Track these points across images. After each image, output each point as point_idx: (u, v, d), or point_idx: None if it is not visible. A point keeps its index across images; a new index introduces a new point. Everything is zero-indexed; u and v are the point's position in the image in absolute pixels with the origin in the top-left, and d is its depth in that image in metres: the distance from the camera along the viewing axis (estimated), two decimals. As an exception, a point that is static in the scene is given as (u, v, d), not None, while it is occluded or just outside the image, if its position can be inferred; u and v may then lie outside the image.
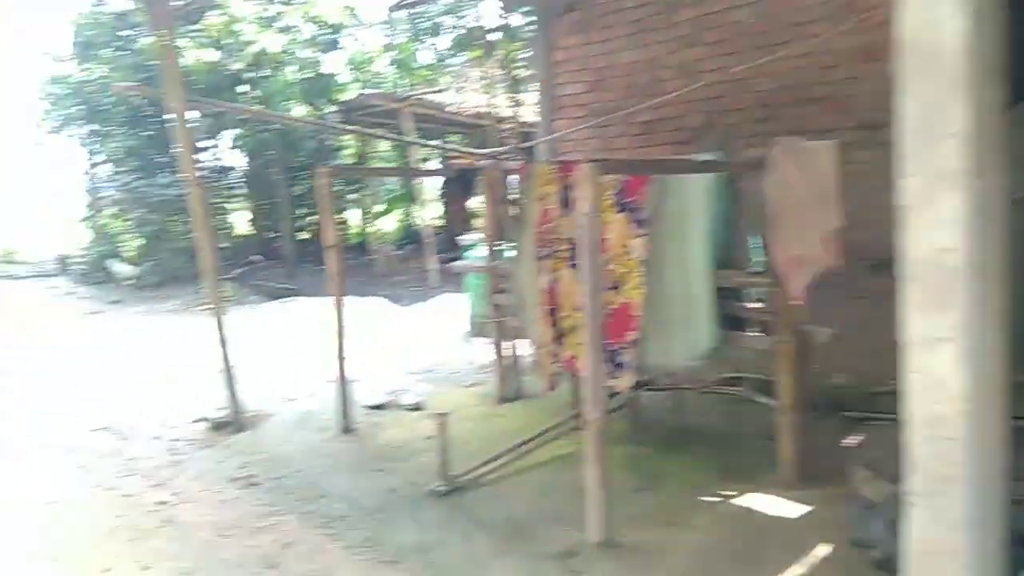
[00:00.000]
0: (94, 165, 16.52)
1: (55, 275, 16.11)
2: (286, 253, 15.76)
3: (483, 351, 8.06)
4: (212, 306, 5.91)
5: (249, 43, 12.16)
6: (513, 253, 5.54)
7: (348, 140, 19.57)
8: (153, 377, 7.46)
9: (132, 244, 14.88)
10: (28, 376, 7.63)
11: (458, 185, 5.39)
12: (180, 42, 12.88)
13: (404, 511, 4.20)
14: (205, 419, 5.92)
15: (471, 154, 5.87)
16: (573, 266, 4.88)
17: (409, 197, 22.21)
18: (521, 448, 4.94)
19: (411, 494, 4.42)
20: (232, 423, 5.77)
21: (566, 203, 4.92)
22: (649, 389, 5.30)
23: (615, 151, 6.50)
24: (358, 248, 18.52)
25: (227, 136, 16.85)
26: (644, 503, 4.16)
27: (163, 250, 14.10)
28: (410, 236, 21.86)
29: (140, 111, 14.64)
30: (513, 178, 5.82)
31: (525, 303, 5.35)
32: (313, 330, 9.27)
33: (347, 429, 5.61)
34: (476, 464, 4.63)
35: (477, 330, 8.86)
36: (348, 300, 10.72)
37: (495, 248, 6.06)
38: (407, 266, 17.32)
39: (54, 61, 16.99)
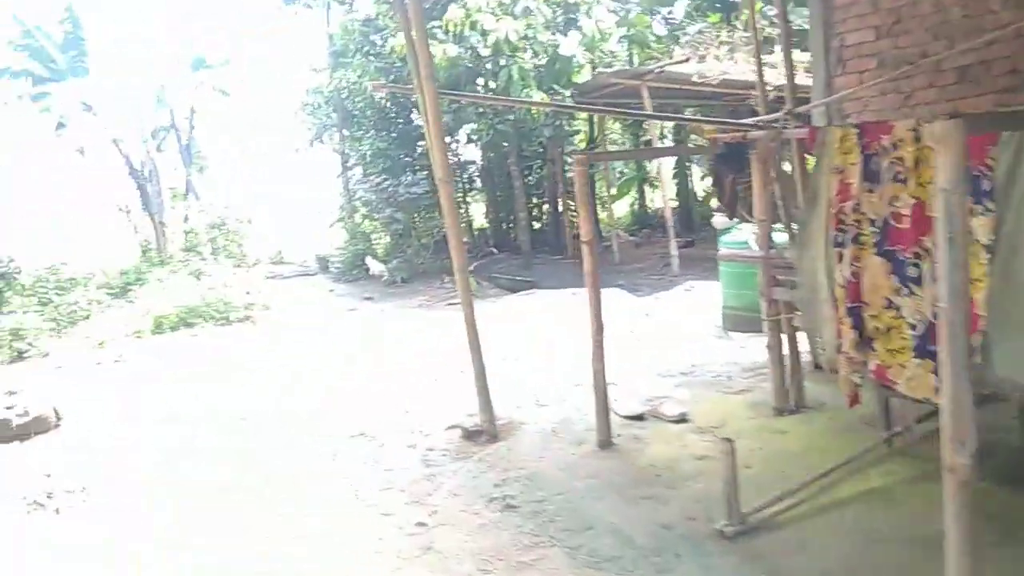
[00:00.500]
0: (347, 168, 17.64)
1: (316, 274, 17.48)
2: (521, 245, 15.66)
3: (745, 350, 7.17)
4: (461, 304, 5.62)
5: (488, 33, 12.07)
6: (798, 238, 4.62)
7: (580, 125, 19.23)
8: (403, 376, 7.47)
9: (382, 242, 15.64)
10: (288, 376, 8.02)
11: (724, 161, 4.64)
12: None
13: (687, 556, 3.53)
14: (458, 427, 5.68)
15: (739, 126, 4.96)
16: (882, 254, 3.90)
17: (642, 179, 21.48)
18: (822, 479, 4.06)
19: (691, 533, 3.75)
20: (484, 432, 5.46)
21: (871, 175, 3.93)
22: (993, 406, 4.14)
23: (917, 108, 5.28)
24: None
25: (464, 131, 17.25)
26: (1005, 564, 3.13)
27: (409, 247, 14.63)
28: (641, 221, 21.13)
29: (387, 114, 15.35)
30: (793, 149, 4.89)
31: (817, 298, 4.41)
32: (555, 325, 8.91)
33: (605, 443, 5.06)
34: (769, 499, 3.84)
35: (731, 324, 7.94)
36: (580, 292, 10.23)
37: (770, 232, 5.17)
38: (642, 253, 16.61)
39: (311, 72, 18.41)
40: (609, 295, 11.12)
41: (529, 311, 10.43)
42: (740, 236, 7.30)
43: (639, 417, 5.52)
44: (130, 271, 14.93)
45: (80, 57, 18.21)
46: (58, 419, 6.24)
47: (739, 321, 7.69)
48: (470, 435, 5.52)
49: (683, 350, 7.48)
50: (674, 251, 13.00)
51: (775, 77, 7.87)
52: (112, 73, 17.86)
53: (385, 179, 13.81)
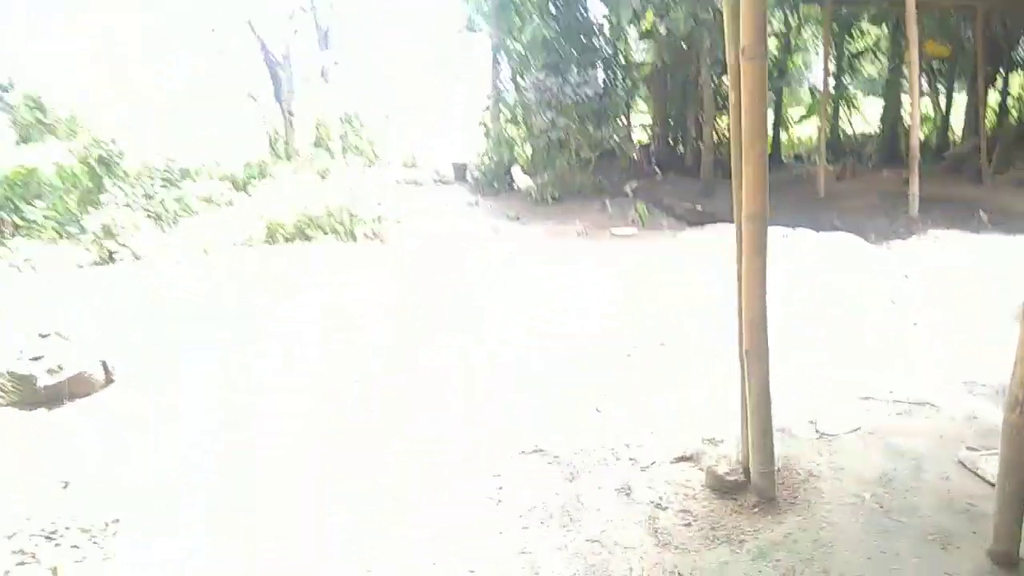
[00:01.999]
0: (499, 64, 15.21)
1: (452, 183, 15.44)
2: (703, 166, 12.91)
3: None
4: (744, 261, 3.28)
5: None
6: None
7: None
8: (578, 346, 5.27)
9: (532, 152, 13.30)
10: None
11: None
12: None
13: None
14: (694, 461, 3.46)
15: None
16: None
17: (838, 99, 17.90)
18: None
19: None
20: (749, 487, 3.20)
21: None
22: None
23: None
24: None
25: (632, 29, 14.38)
26: None
27: (567, 160, 12.23)
28: (832, 149, 17.67)
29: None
30: None
31: None
32: (787, 279, 6.39)
33: (1006, 556, 2.68)
34: None
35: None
36: (793, 233, 7.52)
37: None
38: (848, 188, 13.49)
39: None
40: (834, 241, 8.48)
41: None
42: None
43: None
44: (253, 165, 13.38)
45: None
46: (108, 377, 4.40)
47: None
48: (722, 485, 3.28)
49: (983, 342, 4.90)
50: (915, 188, 9.99)
51: None
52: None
53: (547, 77, 11.31)
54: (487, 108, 16.85)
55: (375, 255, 8.19)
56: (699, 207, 11.16)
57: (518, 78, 14.02)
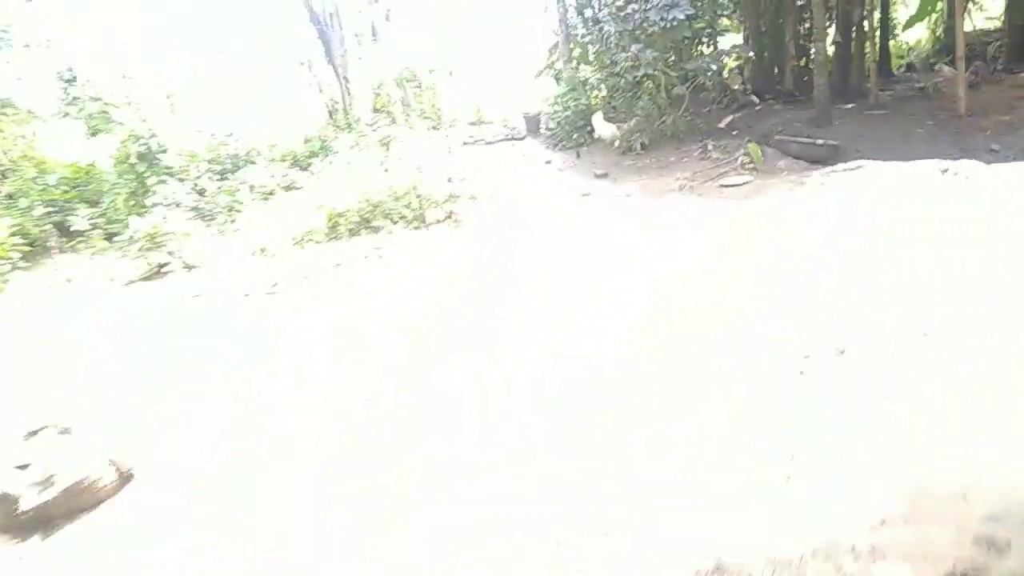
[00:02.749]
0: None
1: (524, 137, 14.10)
2: (818, 89, 11.13)
3: None
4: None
5: None
6: None
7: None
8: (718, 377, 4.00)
9: (614, 95, 11.79)
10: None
11: None
12: None
13: None
14: None
15: None
16: None
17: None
18: None
19: None
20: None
21: None
22: None
23: None
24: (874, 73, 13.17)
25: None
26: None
27: (655, 100, 10.70)
28: (949, 52, 15.34)
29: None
30: None
31: None
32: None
33: None
34: None
35: None
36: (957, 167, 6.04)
37: None
38: (990, 99, 11.46)
39: None
40: (1005, 176, 6.82)
41: (879, 206, 6.40)
42: None
43: None
44: (314, 139, 12.39)
45: None
46: (123, 476, 3.40)
47: None
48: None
49: None
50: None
51: None
52: None
53: (627, 2, 9.71)
54: (554, 46, 15.29)
55: (448, 243, 7.02)
56: (820, 141, 9.53)
57: (590, 8, 12.42)
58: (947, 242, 4.82)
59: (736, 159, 9.37)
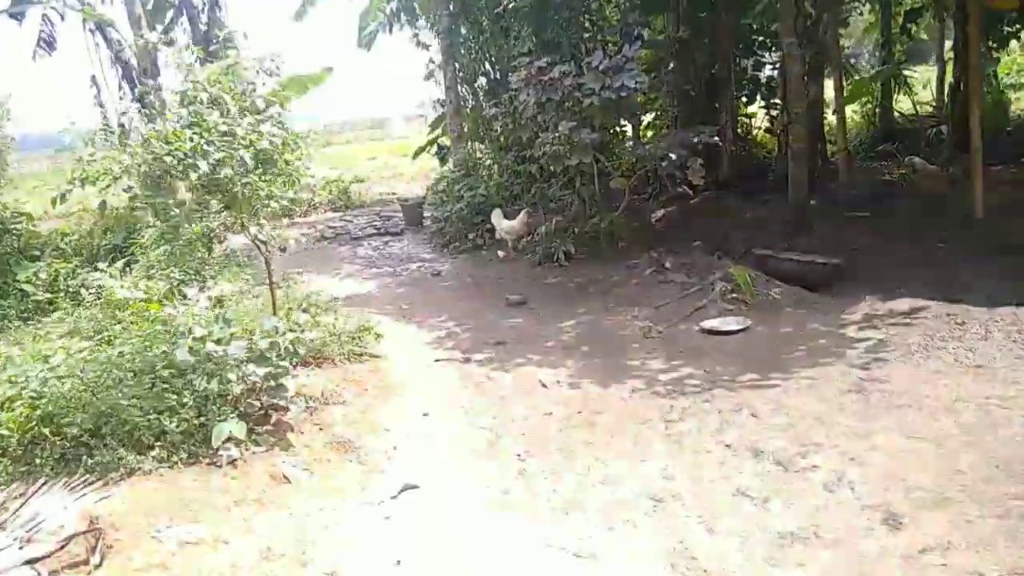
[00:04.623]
0: (452, 57, 10.61)
1: (401, 232, 10.85)
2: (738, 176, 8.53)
3: None
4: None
5: None
6: None
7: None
8: None
9: (523, 185, 8.75)
10: None
11: None
12: None
13: None
14: None
15: None
16: None
17: (891, 77, 13.69)
18: None
19: None
20: None
21: None
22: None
23: None
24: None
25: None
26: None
27: (583, 198, 7.73)
28: (887, 138, 13.54)
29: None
30: None
31: None
32: None
33: None
34: None
35: None
36: None
37: None
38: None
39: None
40: None
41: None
42: None
43: None
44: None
45: None
46: None
47: None
48: None
49: None
50: None
51: None
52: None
53: (549, 64, 6.64)
54: (439, 118, 12.22)
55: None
56: (821, 260, 6.81)
57: (485, 76, 9.56)
58: None
59: (710, 284, 6.48)
